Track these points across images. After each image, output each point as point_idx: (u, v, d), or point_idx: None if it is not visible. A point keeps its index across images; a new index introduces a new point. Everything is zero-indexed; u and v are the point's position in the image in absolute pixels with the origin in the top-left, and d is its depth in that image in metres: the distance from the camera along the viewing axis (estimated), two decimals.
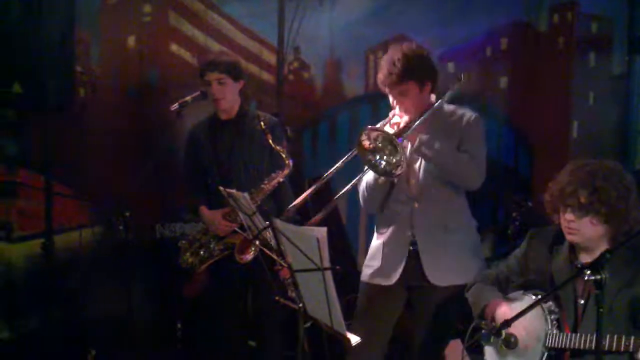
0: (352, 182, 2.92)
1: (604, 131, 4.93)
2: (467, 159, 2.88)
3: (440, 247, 2.93)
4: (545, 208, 2.65)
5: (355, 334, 2.38)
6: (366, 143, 2.73)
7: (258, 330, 3.64)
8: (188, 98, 3.44)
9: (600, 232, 2.49)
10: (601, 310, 2.05)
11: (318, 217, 2.80)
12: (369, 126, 2.77)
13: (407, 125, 2.82)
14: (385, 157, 2.75)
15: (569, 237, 2.53)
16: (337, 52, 4.67)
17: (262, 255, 2.84)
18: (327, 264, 2.18)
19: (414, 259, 2.95)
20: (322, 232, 2.15)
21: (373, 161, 2.76)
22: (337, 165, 2.86)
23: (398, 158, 2.71)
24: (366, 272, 3.08)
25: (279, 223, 2.32)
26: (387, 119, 2.93)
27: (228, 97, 3.50)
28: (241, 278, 3.52)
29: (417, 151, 2.87)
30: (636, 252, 2.46)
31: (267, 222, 2.47)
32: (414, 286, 2.99)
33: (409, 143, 2.87)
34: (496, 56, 4.94)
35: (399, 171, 2.75)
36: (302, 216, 3.69)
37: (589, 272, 2.07)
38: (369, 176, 2.95)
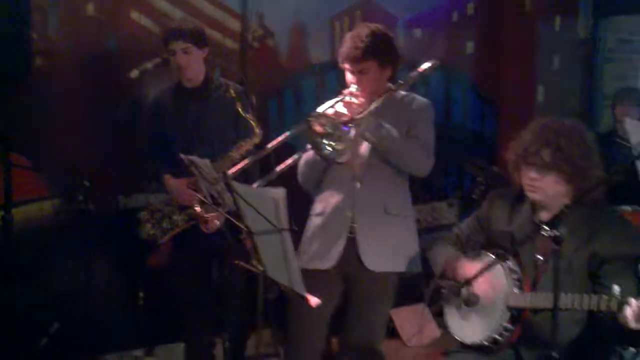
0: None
1: (570, 95, 4.96)
2: (414, 144, 2.83)
3: (379, 231, 2.86)
4: (508, 168, 2.65)
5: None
6: (317, 127, 2.66)
7: (223, 300, 3.61)
8: (148, 64, 3.35)
9: (562, 190, 2.49)
10: (559, 265, 2.05)
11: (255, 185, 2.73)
12: (320, 111, 2.72)
13: (359, 111, 2.73)
14: (332, 143, 2.67)
15: (530, 195, 2.53)
16: (302, 18, 4.61)
17: (227, 225, 2.80)
18: (285, 225, 2.16)
19: (352, 246, 2.86)
20: (280, 193, 2.13)
21: (320, 144, 2.68)
22: (283, 136, 2.78)
23: (343, 147, 2.65)
24: (302, 259, 2.91)
25: (236, 185, 2.29)
26: (339, 97, 2.83)
27: (193, 65, 3.43)
28: (206, 248, 3.48)
29: (362, 137, 2.80)
30: (594, 210, 2.47)
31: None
32: (350, 275, 2.92)
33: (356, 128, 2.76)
34: (462, 21, 4.92)
35: (341, 160, 2.70)
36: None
37: (547, 228, 2.06)
38: (310, 152, 2.84)
